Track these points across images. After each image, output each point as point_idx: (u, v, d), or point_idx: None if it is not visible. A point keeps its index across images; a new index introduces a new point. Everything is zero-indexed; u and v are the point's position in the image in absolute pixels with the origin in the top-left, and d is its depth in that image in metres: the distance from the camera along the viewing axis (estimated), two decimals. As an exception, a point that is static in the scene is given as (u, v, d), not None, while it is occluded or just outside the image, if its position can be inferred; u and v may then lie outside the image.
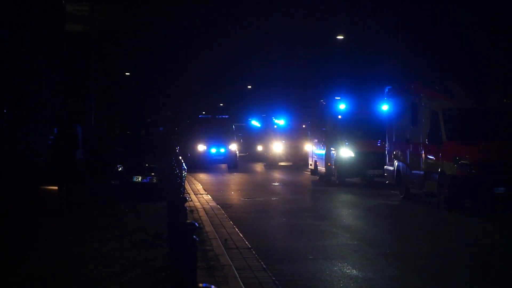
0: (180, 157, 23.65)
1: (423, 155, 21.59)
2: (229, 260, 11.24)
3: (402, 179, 23.31)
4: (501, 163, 19.44)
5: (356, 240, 14.22)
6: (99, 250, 12.14)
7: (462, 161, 19.49)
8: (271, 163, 48.51)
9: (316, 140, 33.73)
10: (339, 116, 30.24)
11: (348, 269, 11.21)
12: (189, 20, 51.60)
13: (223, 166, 43.65)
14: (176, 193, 10.89)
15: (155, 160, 22.03)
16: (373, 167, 28.45)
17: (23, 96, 30.01)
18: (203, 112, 50.73)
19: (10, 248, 12.70)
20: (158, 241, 12.84)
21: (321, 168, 32.24)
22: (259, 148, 54.06)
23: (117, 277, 9.96)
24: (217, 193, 25.03)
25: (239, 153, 45.90)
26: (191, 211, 17.98)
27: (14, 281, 9.95)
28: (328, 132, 31.26)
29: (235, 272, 10.35)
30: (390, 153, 25.06)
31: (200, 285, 4.32)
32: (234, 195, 24.99)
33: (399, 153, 23.93)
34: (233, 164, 42.66)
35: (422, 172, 21.50)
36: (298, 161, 46.14)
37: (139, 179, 21.72)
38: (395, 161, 24.17)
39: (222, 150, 42.61)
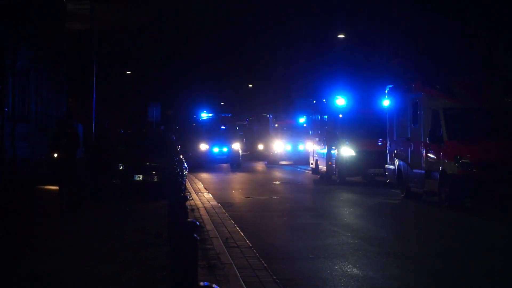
0: (181, 156, 23.65)
1: (424, 154, 21.58)
2: (230, 259, 11.23)
3: (403, 178, 23.30)
4: (502, 162, 19.43)
5: (357, 239, 14.21)
6: (100, 249, 12.13)
7: (463, 160, 19.48)
8: (272, 162, 48.52)
9: (317, 139, 33.72)
10: (340, 115, 30.23)
11: (349, 268, 11.21)
12: (190, 19, 51.59)
13: (224, 165, 43.14)
14: (177, 192, 10.89)
15: (156, 159, 22.01)
16: (374, 166, 28.44)
17: (23, 95, 29.99)
18: (204, 111, 50.10)
19: (9, 248, 12.69)
20: (158, 240, 12.83)
21: (322, 167, 32.23)
22: (260, 147, 54.05)
23: (117, 276, 9.96)
24: (218, 191, 25.03)
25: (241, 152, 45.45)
26: (192, 209, 17.98)
27: (14, 281, 9.94)
28: (329, 131, 31.25)
29: (236, 271, 10.35)
30: (391, 152, 25.06)
31: (201, 284, 4.31)
32: (235, 194, 24.99)
33: (400, 152, 23.92)
34: (236, 163, 42.04)
35: (423, 171, 21.49)
36: (298, 160, 46.15)
37: (140, 178, 21.70)
38: (396, 160, 24.16)
39: (225, 149, 41.94)
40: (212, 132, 43.12)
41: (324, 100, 33.01)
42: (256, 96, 75.65)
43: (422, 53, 39.52)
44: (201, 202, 20.41)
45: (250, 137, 58.18)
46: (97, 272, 10.24)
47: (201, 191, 24.49)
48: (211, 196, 22.65)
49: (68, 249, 12.35)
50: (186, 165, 23.42)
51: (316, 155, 33.59)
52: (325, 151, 31.58)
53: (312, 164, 34.84)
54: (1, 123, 26.15)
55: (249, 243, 12.90)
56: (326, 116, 31.97)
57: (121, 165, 21.87)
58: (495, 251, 13.10)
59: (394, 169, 24.27)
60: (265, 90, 75.05)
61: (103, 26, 42.19)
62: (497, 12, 32.79)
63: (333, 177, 30.54)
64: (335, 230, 15.39)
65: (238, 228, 14.92)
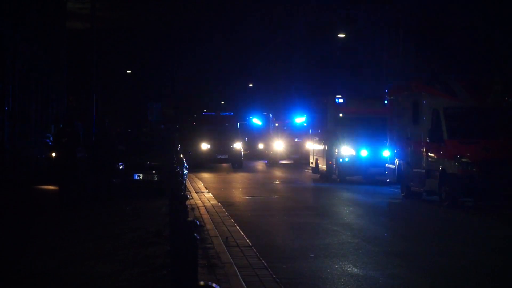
0: (181, 155, 23.64)
1: (424, 154, 21.57)
2: (230, 258, 11.23)
3: (403, 178, 23.28)
4: (502, 162, 19.43)
5: (357, 238, 14.21)
6: (100, 248, 12.13)
7: (463, 160, 19.48)
8: (272, 161, 48.49)
9: (317, 138, 33.71)
10: (340, 114, 30.22)
11: (349, 267, 11.20)
12: (190, 18, 51.59)
13: (225, 165, 42.54)
14: (177, 191, 10.88)
15: (156, 158, 22.01)
16: (374, 165, 28.42)
17: (24, 94, 30.00)
18: (205, 110, 49.49)
19: (8, 246, 12.69)
20: (159, 239, 12.82)
21: (322, 166, 32.22)
22: (260, 146, 54.01)
23: (117, 275, 9.95)
24: (218, 191, 25.02)
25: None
26: (192, 209, 17.97)
27: (13, 279, 9.94)
28: (329, 130, 31.24)
29: (236, 270, 10.34)
30: (391, 151, 25.04)
31: (201, 283, 4.31)
32: (235, 193, 24.98)
33: (400, 151, 23.91)
34: (238, 163, 41.04)
35: (423, 170, 21.48)
36: (299, 159, 46.12)
37: (140, 177, 21.70)
38: (396, 159, 24.15)
39: (227, 148, 40.95)
40: (213, 131, 41.79)
41: (324, 99, 32.99)
42: (256, 95, 75.66)
43: (422, 52, 39.50)
44: (201, 201, 20.40)
45: (251, 136, 58.12)
46: (97, 270, 10.24)
47: (201, 190, 24.48)
48: (211, 195, 22.64)
49: (68, 247, 12.35)
50: (186, 164, 23.40)
51: (316, 154, 33.57)
52: (325, 150, 31.57)
53: (312, 163, 34.81)
54: (1, 123, 26.16)
55: (249, 242, 12.89)
56: (327, 115, 31.94)
57: (122, 164, 21.86)
58: (496, 251, 13.09)
59: (394, 169, 24.26)
60: (265, 89, 75.08)
61: (104, 25, 42.20)
62: (497, 12, 32.78)
63: (333, 176, 30.53)
64: (335, 229, 15.38)
65: (238, 227, 14.91)
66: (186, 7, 45.97)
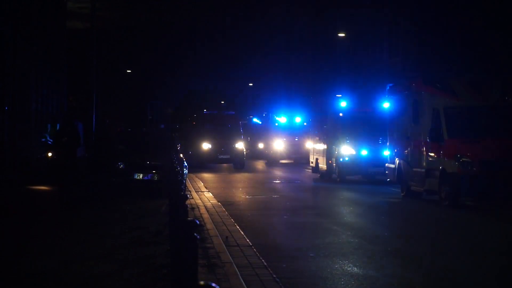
0: (182, 155, 23.64)
1: (424, 153, 21.58)
2: (230, 258, 11.23)
3: (403, 177, 23.29)
4: (503, 161, 19.43)
5: (357, 237, 14.21)
6: (100, 248, 12.13)
7: (464, 159, 19.48)
8: (272, 161, 48.48)
9: (317, 138, 33.72)
10: (340, 114, 30.23)
11: (349, 266, 11.20)
12: (190, 18, 51.58)
13: (225, 164, 42.22)
14: (177, 191, 10.88)
15: (156, 158, 22.01)
16: (374, 165, 28.43)
17: (24, 94, 29.99)
18: (205, 110, 49.06)
19: (8, 246, 12.69)
20: (158, 238, 12.83)
21: (322, 166, 32.23)
22: (260, 145, 54.00)
23: (117, 274, 9.95)
24: (218, 190, 25.02)
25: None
26: (192, 208, 17.97)
27: (13, 279, 9.94)
28: (329, 129, 31.25)
29: (236, 269, 10.34)
30: (391, 150, 25.04)
31: (201, 282, 4.30)
32: (235, 193, 24.98)
33: (400, 150, 23.91)
34: (240, 163, 40.20)
35: (423, 170, 21.48)
36: (299, 159, 46.13)
37: (140, 177, 21.70)
38: (396, 158, 24.15)
39: (229, 148, 40.15)
40: (214, 130, 40.94)
41: (324, 98, 33.01)
42: (256, 94, 75.67)
43: (422, 51, 39.51)
44: (201, 201, 20.40)
45: (251, 135, 58.11)
46: (97, 270, 10.24)
47: (201, 190, 24.48)
48: (211, 195, 22.64)
49: (68, 247, 12.35)
50: (186, 164, 23.41)
51: (316, 154, 33.58)
52: (325, 149, 31.58)
53: (312, 163, 34.83)
54: (1, 122, 26.15)
55: (249, 242, 12.89)
56: (327, 115, 31.96)
57: (121, 164, 21.86)
58: (496, 250, 13.09)
59: (394, 168, 24.26)
60: (265, 89, 75.08)
61: (104, 25, 42.20)
62: (498, 11, 32.77)
63: (333, 176, 30.55)
64: (335, 229, 15.38)
65: (238, 227, 14.91)
66: (186, 7, 45.94)
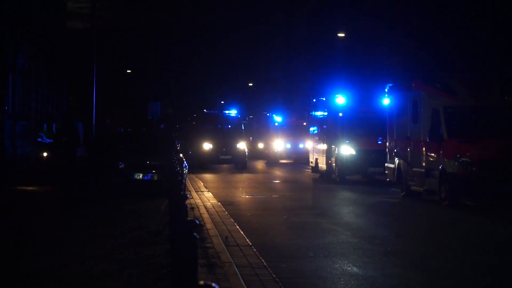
0: (181, 155, 23.65)
1: (424, 153, 21.59)
2: (230, 258, 11.24)
3: (403, 177, 23.30)
4: (502, 161, 19.45)
5: (357, 237, 14.22)
6: (99, 247, 12.14)
7: (463, 159, 19.49)
8: (272, 161, 48.49)
9: (317, 138, 33.74)
10: (340, 114, 30.24)
11: (349, 266, 11.21)
12: (190, 18, 51.59)
13: (225, 165, 41.76)
14: (177, 191, 10.89)
15: (156, 158, 22.02)
16: (374, 165, 28.44)
17: (24, 93, 30.01)
18: (204, 110, 48.81)
19: (8, 246, 12.70)
20: (158, 238, 12.84)
21: (322, 166, 32.25)
22: (260, 145, 54.01)
23: (117, 274, 9.96)
24: (218, 190, 25.03)
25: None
26: (192, 208, 17.98)
27: (13, 279, 9.95)
28: (328, 129, 31.27)
29: (236, 269, 10.35)
30: (391, 150, 25.06)
31: (201, 282, 4.32)
32: (235, 193, 24.99)
33: (400, 150, 23.93)
34: (242, 164, 39.47)
35: (423, 170, 21.50)
36: (298, 159, 46.13)
37: (140, 176, 21.71)
38: (396, 158, 24.16)
39: (230, 149, 39.24)
40: (216, 130, 40.26)
41: (324, 98, 33.02)
42: (256, 94, 75.68)
43: (422, 51, 39.52)
44: (201, 201, 20.42)
45: (250, 135, 58.11)
46: (97, 270, 10.25)
47: (201, 190, 24.49)
48: (211, 194, 22.65)
49: (68, 247, 12.35)
50: (186, 164, 23.42)
51: (316, 154, 33.60)
52: (325, 149, 31.60)
53: (312, 162, 34.86)
54: (1, 122, 26.17)
55: (249, 242, 12.90)
56: (326, 115, 31.98)
57: (121, 164, 21.87)
58: (496, 250, 13.10)
59: (394, 168, 24.28)
60: (265, 88, 75.08)
61: (104, 25, 42.20)
62: (498, 10, 32.78)
63: (333, 176, 30.56)
64: (335, 229, 15.39)
65: (238, 227, 14.92)
66: (186, 7, 45.96)
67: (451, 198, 19.64)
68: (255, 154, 54.37)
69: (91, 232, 14.04)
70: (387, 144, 25.62)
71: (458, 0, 35.85)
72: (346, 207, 20.93)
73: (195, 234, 5.56)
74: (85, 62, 32.11)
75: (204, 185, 26.91)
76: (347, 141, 29.40)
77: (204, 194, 22.64)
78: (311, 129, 35.56)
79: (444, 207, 19.64)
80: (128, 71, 66.03)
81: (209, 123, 41.23)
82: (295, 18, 66.87)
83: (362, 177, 30.19)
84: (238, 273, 10.07)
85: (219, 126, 41.02)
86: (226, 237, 13.43)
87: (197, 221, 5.98)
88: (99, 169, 22.00)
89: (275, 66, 72.46)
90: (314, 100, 35.54)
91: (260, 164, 47.23)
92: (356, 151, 29.16)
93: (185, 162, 23.10)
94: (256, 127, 57.38)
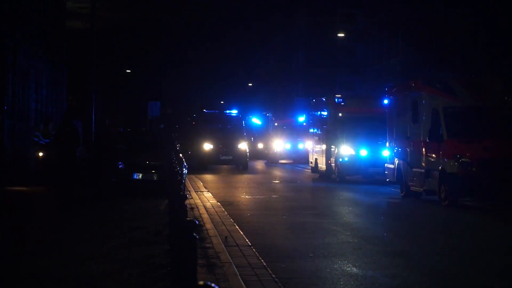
0: (181, 155, 23.65)
1: (424, 153, 21.59)
2: (229, 258, 11.24)
3: (403, 177, 23.30)
4: (502, 161, 19.45)
5: (357, 237, 14.22)
6: (99, 247, 12.13)
7: (463, 159, 19.49)
8: (271, 161, 48.49)
9: (316, 138, 33.74)
10: (340, 114, 30.24)
11: (349, 267, 11.21)
12: (190, 18, 51.58)
13: (225, 166, 41.22)
14: (176, 191, 10.89)
15: (156, 158, 22.01)
16: (373, 165, 28.44)
17: (23, 93, 29.99)
18: (204, 110, 48.46)
19: (7, 246, 12.69)
20: (158, 238, 12.84)
21: (322, 166, 32.26)
22: (260, 145, 54.02)
23: (117, 274, 9.96)
24: (217, 190, 25.03)
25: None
26: (192, 208, 17.98)
27: (13, 279, 9.94)
28: (328, 129, 31.27)
29: (235, 269, 10.35)
30: (390, 150, 25.05)
31: (200, 282, 4.31)
32: (234, 193, 24.98)
33: (400, 151, 23.92)
34: (243, 165, 38.68)
35: (422, 170, 21.49)
36: (298, 159, 46.13)
37: (140, 177, 21.70)
38: (396, 159, 24.16)
39: (231, 149, 38.36)
40: (216, 130, 39.37)
41: (323, 98, 33.03)
42: (256, 94, 75.72)
43: (422, 51, 39.52)
44: (201, 201, 20.41)
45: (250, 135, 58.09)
46: (97, 270, 10.25)
47: (201, 190, 24.49)
48: (210, 195, 22.65)
49: (67, 247, 12.35)
50: (185, 164, 23.41)
51: (316, 154, 33.60)
52: (324, 149, 31.61)
53: (311, 163, 34.86)
54: (1, 122, 26.15)
55: (249, 242, 12.90)
56: (326, 115, 31.98)
57: (121, 164, 21.86)
58: (495, 250, 13.10)
59: (393, 168, 24.27)
60: (265, 88, 75.11)
61: (104, 25, 42.20)
62: (498, 11, 32.78)
63: (332, 176, 30.57)
64: (334, 229, 15.39)
65: (237, 227, 14.92)
66: (186, 7, 45.97)
67: (450, 198, 19.65)
68: (254, 154, 54.40)
69: (91, 232, 14.04)
70: (387, 144, 25.61)
71: (458, 0, 35.85)
72: (346, 207, 20.93)
73: (194, 234, 5.56)
74: (85, 62, 32.10)
75: (203, 185, 26.91)
76: (347, 141, 29.41)
77: (204, 194, 22.64)
78: (311, 129, 35.56)
79: (443, 207, 19.64)
80: (127, 71, 66.07)
81: (210, 122, 40.42)
82: (295, 18, 66.90)
83: (361, 177, 30.19)
84: (238, 273, 10.07)
85: (220, 125, 40.21)
86: (226, 237, 13.42)
87: (197, 221, 5.98)
88: (98, 169, 22.00)
89: (274, 66, 72.48)
90: (314, 100, 35.54)
91: (259, 164, 47.23)
92: (356, 151, 29.16)
93: (184, 162, 23.09)
94: (255, 127, 57.37)
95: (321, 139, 32.66)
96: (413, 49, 41.29)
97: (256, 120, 57.73)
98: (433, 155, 20.96)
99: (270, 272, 10.33)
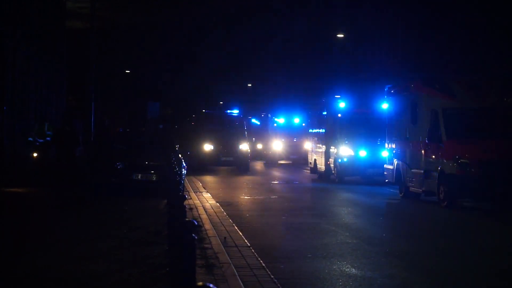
0: (180, 155, 23.65)
1: (423, 154, 21.59)
2: (228, 258, 11.25)
3: (402, 178, 23.30)
4: (501, 162, 19.46)
5: (355, 238, 14.23)
6: (98, 248, 12.14)
7: (462, 160, 19.51)
8: (270, 162, 48.47)
9: (316, 139, 33.75)
10: (339, 115, 30.25)
11: (347, 267, 11.22)
12: (189, 18, 51.59)
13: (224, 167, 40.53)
14: (175, 191, 10.90)
15: (155, 158, 22.01)
16: (372, 166, 28.45)
17: (23, 93, 30.00)
18: (203, 110, 48.19)
19: (7, 247, 12.69)
20: (157, 238, 12.84)
21: (321, 167, 32.26)
22: (259, 146, 54.00)
23: (116, 275, 9.97)
24: (216, 191, 25.03)
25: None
26: (190, 209, 17.98)
27: (13, 279, 9.95)
28: (328, 130, 31.28)
29: (234, 270, 10.36)
30: (390, 151, 25.06)
31: (199, 283, 4.33)
32: (233, 194, 24.99)
33: (399, 151, 23.93)
34: (244, 166, 37.66)
35: (421, 171, 21.50)
36: (297, 160, 46.12)
37: (139, 177, 21.70)
38: (395, 159, 24.17)
39: (232, 150, 37.45)
40: (217, 131, 38.42)
41: (323, 99, 33.05)
42: (255, 95, 75.68)
43: (421, 52, 39.54)
44: (200, 201, 20.41)
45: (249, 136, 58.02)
46: (96, 270, 10.25)
47: (200, 190, 24.49)
48: (209, 195, 22.65)
49: (67, 247, 12.36)
50: (185, 164, 23.42)
51: (315, 155, 33.61)
52: (324, 150, 31.61)
53: (311, 163, 34.86)
54: (0, 122, 26.17)
55: (248, 243, 12.91)
56: (325, 115, 31.99)
57: (120, 164, 21.86)
58: (494, 251, 13.11)
59: (393, 169, 24.28)
60: (264, 89, 75.06)
61: (103, 25, 42.19)
62: (497, 12, 32.80)
63: (331, 177, 30.57)
64: (333, 230, 15.40)
65: (236, 228, 14.93)
66: (186, 7, 45.98)
67: (449, 199, 19.66)
68: (254, 155, 54.36)
69: (90, 232, 14.04)
70: (386, 145, 25.62)
71: (458, 1, 35.87)
72: (345, 208, 20.94)
73: (193, 234, 5.57)
74: (84, 62, 32.11)
75: (202, 185, 26.91)
76: (346, 142, 29.42)
77: (203, 195, 22.64)
78: (310, 130, 35.57)
79: (442, 208, 19.65)
80: (127, 71, 66.06)
81: (210, 123, 39.56)
82: (295, 19, 66.86)
83: (361, 178, 30.19)
84: (237, 274, 10.08)
85: (220, 126, 39.28)
86: (225, 238, 13.43)
87: (196, 222, 5.99)
88: (98, 169, 21.99)
89: (274, 67, 72.45)
90: (313, 101, 35.56)
91: (259, 165, 47.22)
92: (355, 152, 29.17)
93: (183, 162, 23.10)
94: (254, 127, 57.34)
95: (320, 139, 32.66)
96: (412, 50, 41.30)
97: (255, 121, 57.72)
98: (432, 156, 20.97)
99: (269, 272, 10.34)
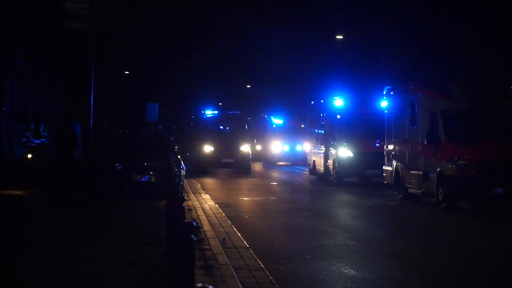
0: (179, 156, 23.66)
1: (422, 155, 21.60)
2: (227, 260, 11.25)
3: (401, 179, 23.31)
4: (500, 164, 19.47)
5: (354, 240, 14.23)
6: (98, 248, 12.15)
7: (461, 162, 19.52)
8: (269, 163, 48.49)
9: (314, 140, 33.76)
10: (338, 116, 30.27)
11: (346, 269, 11.23)
12: (189, 18, 51.57)
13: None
14: (174, 192, 10.91)
15: (154, 159, 22.02)
16: (371, 167, 28.46)
17: (22, 94, 29.99)
18: (203, 111, 48.12)
19: (6, 247, 12.69)
20: (157, 239, 12.85)
21: (320, 168, 32.27)
22: (258, 147, 54.01)
23: (115, 275, 9.97)
24: (215, 192, 25.05)
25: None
26: (189, 210, 17.99)
27: (13, 279, 9.95)
28: (326, 131, 31.29)
29: (233, 271, 10.36)
30: (388, 153, 25.07)
31: (198, 284, 4.33)
32: (232, 195, 24.99)
33: (398, 153, 23.94)
34: (245, 168, 37.10)
35: (420, 172, 21.51)
36: (296, 161, 46.14)
37: (138, 178, 21.71)
38: (394, 161, 24.17)
39: (233, 152, 36.81)
40: (216, 131, 37.85)
41: (322, 100, 33.06)
42: (254, 96, 75.67)
43: (420, 54, 39.56)
44: (199, 203, 20.42)
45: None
46: (95, 271, 10.26)
47: (199, 192, 24.50)
48: (208, 196, 22.66)
49: (66, 248, 12.36)
50: (184, 166, 23.43)
51: (314, 156, 33.62)
52: (322, 151, 31.62)
53: (309, 165, 34.88)
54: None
55: (246, 244, 12.92)
56: (324, 117, 32.01)
57: (119, 165, 21.87)
58: (493, 252, 13.11)
59: (391, 170, 24.29)
60: (263, 90, 75.06)
61: (103, 25, 42.18)
62: (496, 13, 32.82)
63: (330, 178, 30.58)
64: (332, 231, 15.40)
65: (235, 229, 14.93)
66: (185, 7, 45.95)
67: (448, 201, 19.67)
68: (252, 156, 54.32)
69: (89, 233, 14.05)
70: (385, 146, 25.63)
71: (457, 3, 35.89)
72: (344, 209, 20.95)
73: (192, 236, 5.57)
74: (83, 63, 32.08)
75: (201, 187, 26.92)
76: (345, 143, 29.43)
77: (202, 196, 22.65)
78: (309, 131, 35.58)
79: (441, 209, 19.66)
80: (126, 72, 66.03)
81: (210, 124, 38.86)
82: (294, 20, 66.86)
83: (359, 179, 30.21)
84: (235, 275, 10.08)
85: (221, 127, 38.79)
86: (224, 239, 13.43)
87: (195, 223, 6.00)
88: (97, 170, 22.00)
89: (273, 68, 72.44)
90: (312, 102, 35.57)
91: (257, 166, 47.23)
92: (354, 153, 29.18)
93: (182, 164, 23.10)
94: (254, 129, 57.34)
95: (319, 141, 32.67)
96: (411, 51, 41.32)
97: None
98: (431, 157, 20.98)
99: (268, 274, 10.35)
